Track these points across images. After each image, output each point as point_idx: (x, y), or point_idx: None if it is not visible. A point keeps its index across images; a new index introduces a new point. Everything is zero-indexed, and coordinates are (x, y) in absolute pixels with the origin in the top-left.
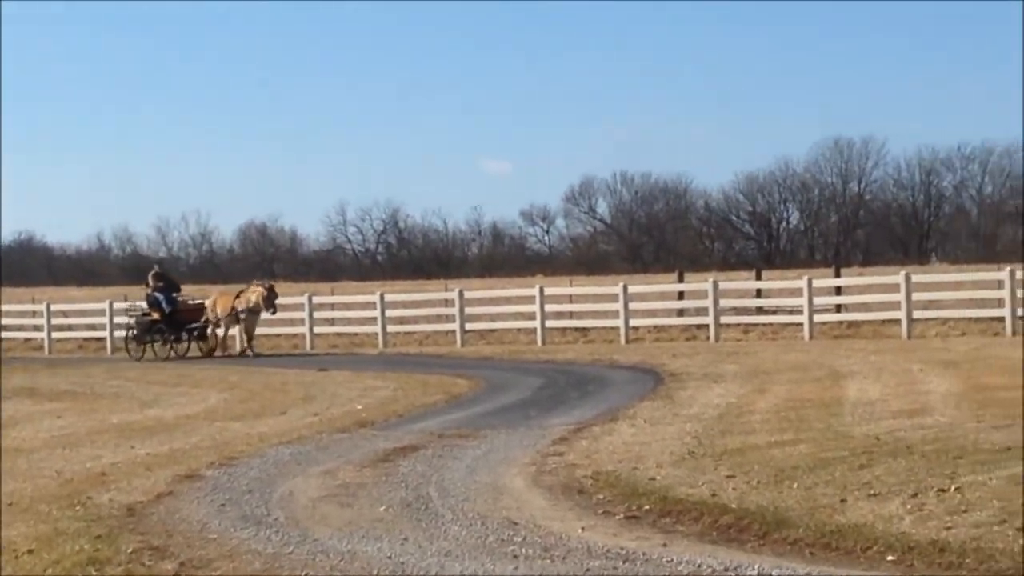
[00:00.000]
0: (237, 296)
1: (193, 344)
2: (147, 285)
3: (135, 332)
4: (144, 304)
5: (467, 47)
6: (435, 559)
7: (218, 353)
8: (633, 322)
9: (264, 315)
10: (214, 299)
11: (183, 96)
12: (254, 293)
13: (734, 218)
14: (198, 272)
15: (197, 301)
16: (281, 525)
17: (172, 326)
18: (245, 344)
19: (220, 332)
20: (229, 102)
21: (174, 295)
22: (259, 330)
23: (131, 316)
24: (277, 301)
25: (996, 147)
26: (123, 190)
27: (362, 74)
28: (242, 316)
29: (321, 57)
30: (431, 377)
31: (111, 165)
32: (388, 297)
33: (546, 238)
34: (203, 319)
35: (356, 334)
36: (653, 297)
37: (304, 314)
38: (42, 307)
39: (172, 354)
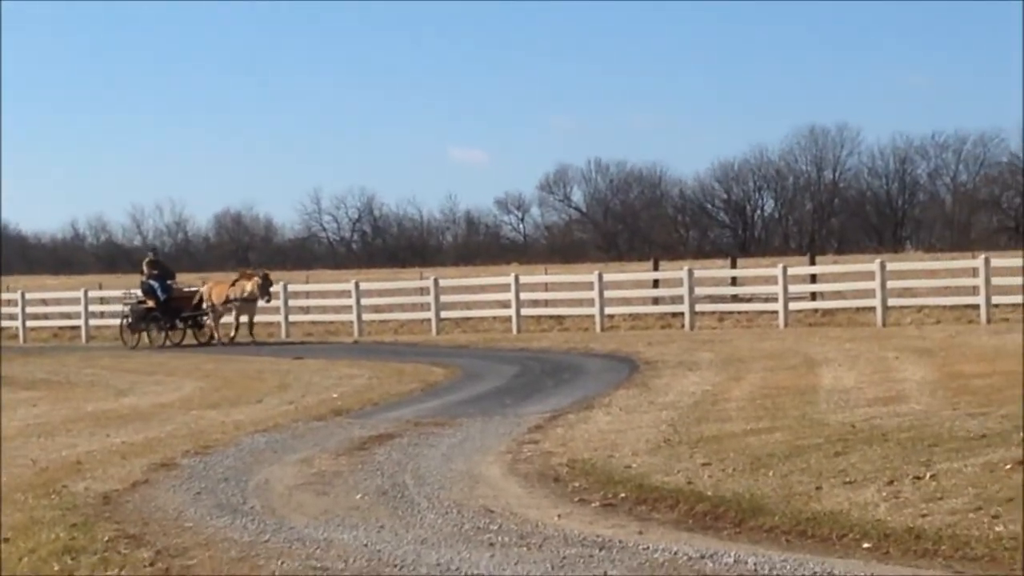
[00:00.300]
0: (232, 284)
1: (189, 332)
2: (142, 272)
3: (130, 320)
4: (139, 292)
5: (436, 36)
6: (411, 547)
7: (213, 341)
8: (608, 310)
9: (260, 303)
10: (209, 287)
11: (158, 85)
12: (249, 281)
13: (709, 206)
14: (173, 261)
15: (192, 288)
16: (257, 513)
17: (166, 314)
18: (244, 332)
19: (217, 320)
20: (204, 91)
21: (169, 282)
22: (231, 317)
23: (126, 304)
24: (272, 289)
25: (970, 135)
26: (98, 179)
27: (333, 63)
28: (236, 304)
29: (294, 46)
30: (406, 365)
31: (86, 154)
32: (363, 285)
33: (521, 226)
34: (197, 305)
35: (331, 322)
36: (628, 285)
37: (279, 302)
38: (16, 295)
39: (167, 342)
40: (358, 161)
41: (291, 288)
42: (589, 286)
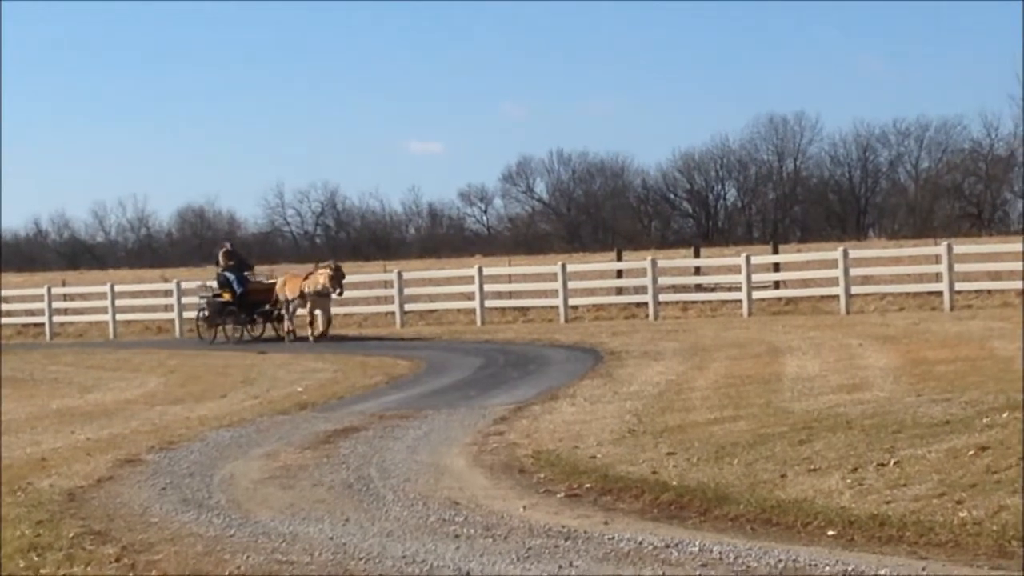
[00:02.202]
0: (305, 278)
1: (268, 327)
2: (217, 264)
3: (206, 314)
4: (215, 284)
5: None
6: (377, 540)
7: (290, 337)
8: (572, 301)
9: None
10: (283, 280)
11: (119, 80)
12: (321, 275)
13: (672, 196)
14: (136, 257)
15: (271, 281)
16: (222, 508)
17: (243, 307)
18: (322, 327)
19: (291, 315)
20: (165, 87)
21: (246, 274)
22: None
23: (202, 297)
24: (344, 281)
25: (931, 122)
26: (60, 175)
27: (290, 57)
28: (311, 298)
29: (254, 40)
30: (371, 359)
31: (47, 150)
32: None
33: (484, 218)
34: (273, 300)
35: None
36: (592, 276)
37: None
38: None
39: (246, 336)
40: (320, 155)
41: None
42: (553, 277)
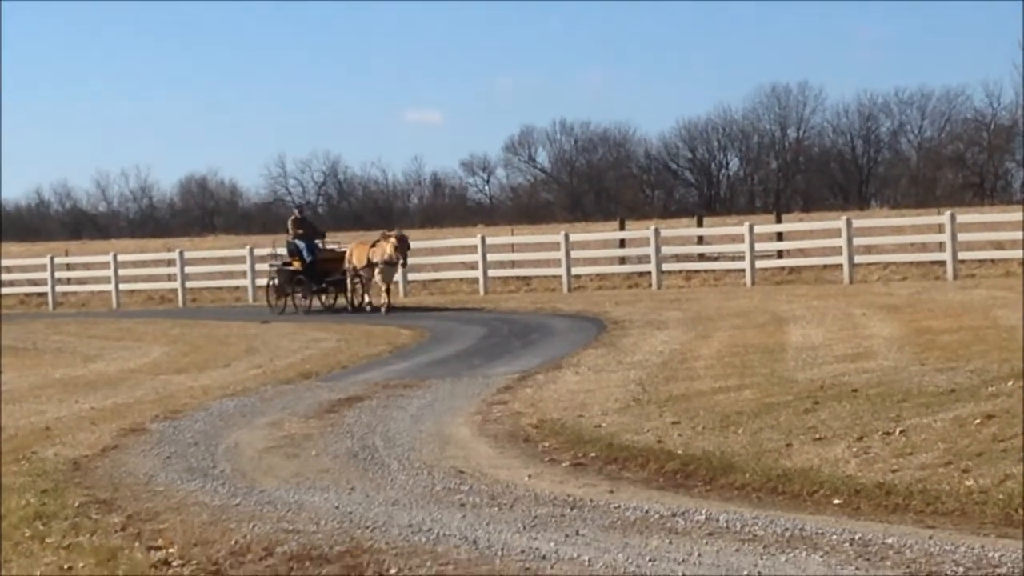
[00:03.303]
0: (372, 246)
1: (340, 297)
2: (287, 232)
3: (276, 283)
4: (285, 252)
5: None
6: (382, 509)
7: (366, 307)
8: (575, 271)
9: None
10: (351, 249)
11: (122, 50)
12: (388, 243)
13: (674, 166)
14: (138, 226)
15: (342, 249)
16: (227, 477)
17: (312, 276)
18: (383, 300)
19: (361, 285)
20: (168, 57)
21: (317, 242)
22: (200, 283)
23: (272, 266)
24: (408, 251)
25: (934, 91)
26: (63, 145)
27: (292, 26)
28: (379, 268)
29: (255, 10)
30: (375, 328)
31: (50, 120)
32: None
33: (487, 188)
34: (343, 270)
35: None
36: (595, 245)
37: (246, 266)
38: None
39: (317, 306)
40: (321, 125)
41: (257, 252)
42: (556, 247)
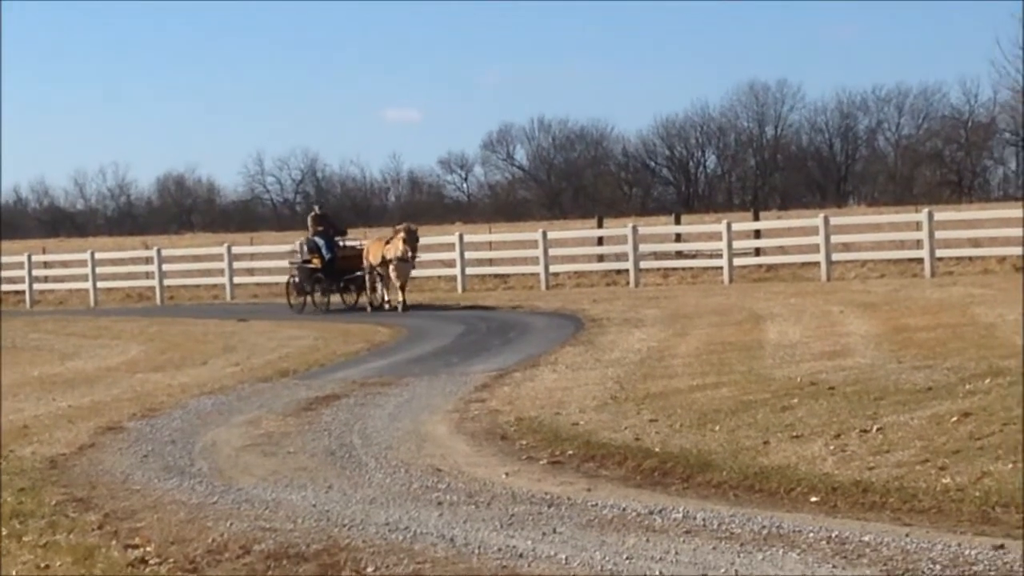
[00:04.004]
0: (387, 243)
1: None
2: (307, 229)
3: (296, 280)
4: (305, 249)
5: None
6: (360, 507)
7: (385, 306)
8: (553, 268)
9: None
10: (368, 246)
11: (99, 48)
12: (398, 238)
13: (652, 163)
14: (116, 224)
15: (362, 246)
16: (204, 475)
17: (330, 274)
18: (399, 297)
19: (376, 282)
20: (146, 54)
21: (337, 239)
22: (178, 281)
23: (292, 263)
24: (417, 244)
25: (911, 89)
26: (40, 143)
27: (271, 23)
28: (393, 264)
29: (233, 7)
30: (352, 326)
31: (27, 117)
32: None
33: (464, 186)
34: (362, 268)
35: (276, 284)
36: (573, 243)
37: (224, 264)
38: None
39: (341, 303)
40: (300, 123)
41: (235, 250)
42: (534, 244)
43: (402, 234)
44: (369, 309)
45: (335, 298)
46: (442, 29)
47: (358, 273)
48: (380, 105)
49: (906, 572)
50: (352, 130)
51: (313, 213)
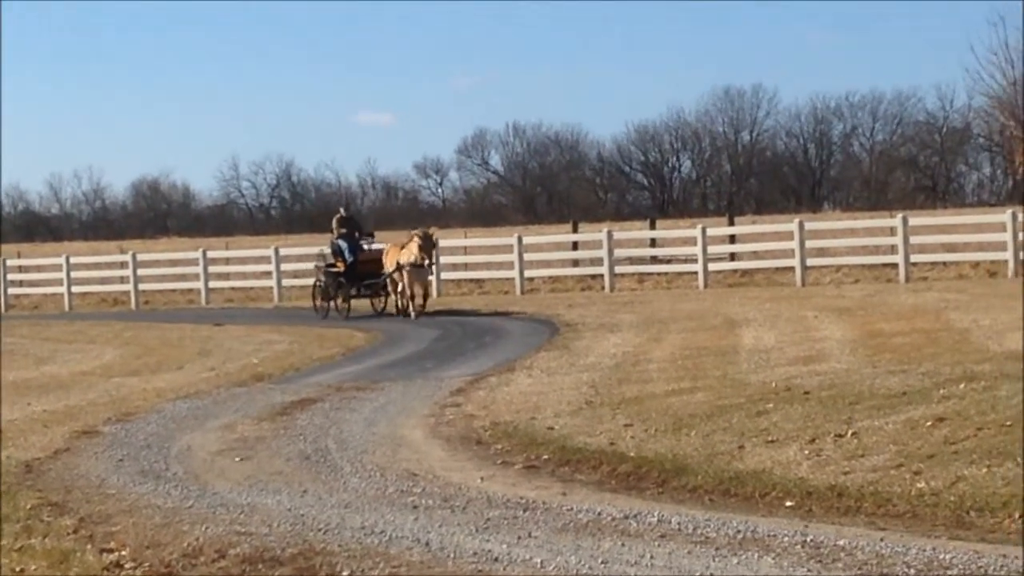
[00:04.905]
0: (402, 248)
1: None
2: (332, 231)
3: (321, 285)
4: (330, 253)
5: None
6: (335, 511)
7: (410, 313)
8: (528, 273)
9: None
10: (387, 250)
11: (73, 51)
12: (413, 243)
13: (627, 168)
14: (91, 229)
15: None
16: (180, 479)
17: (351, 278)
18: (417, 304)
19: (394, 288)
20: (121, 58)
21: (361, 242)
22: (153, 285)
23: (318, 267)
24: (434, 250)
25: (885, 95)
26: (14, 147)
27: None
28: (407, 270)
29: (208, 11)
30: (327, 330)
31: (1, 122)
32: (283, 251)
33: (439, 191)
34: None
35: (251, 288)
36: (548, 248)
37: (199, 269)
38: None
39: (373, 309)
40: (275, 127)
41: (210, 255)
42: (509, 249)
43: (417, 240)
44: (394, 313)
45: (365, 303)
46: (415, 33)
47: (377, 278)
48: (353, 109)
49: None
50: (326, 134)
51: (338, 216)
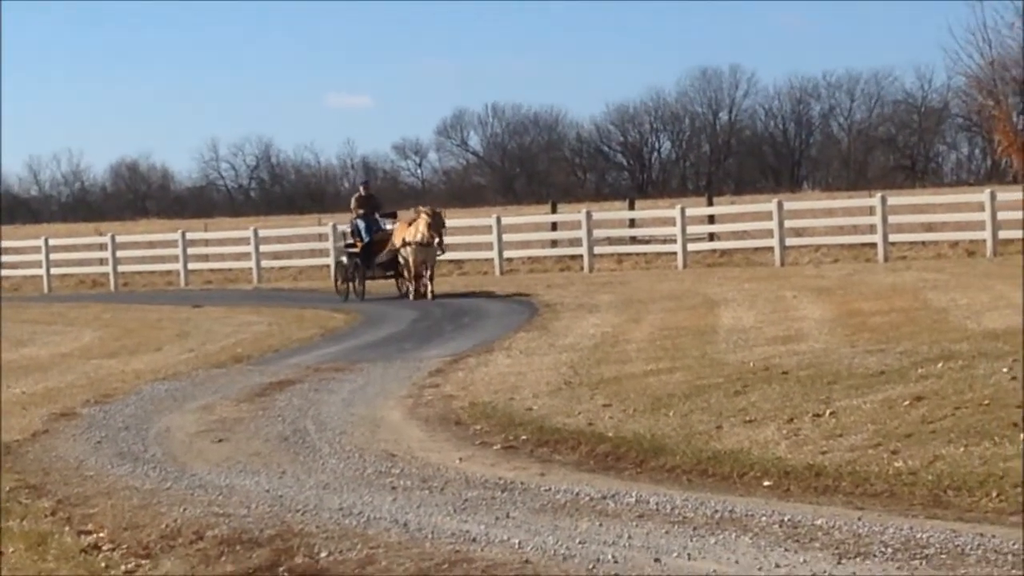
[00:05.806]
0: (409, 225)
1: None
2: (351, 210)
3: (343, 266)
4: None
5: None
6: (313, 492)
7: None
8: (507, 253)
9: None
10: (396, 228)
11: (52, 32)
12: (421, 220)
13: (606, 149)
14: (70, 210)
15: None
16: (158, 461)
17: (366, 258)
18: (423, 284)
19: (402, 267)
20: (99, 39)
21: (380, 220)
22: (132, 267)
23: (339, 249)
24: (444, 230)
25: (862, 74)
26: None
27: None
28: (412, 248)
29: None
30: (306, 311)
31: None
32: (262, 232)
33: (419, 171)
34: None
35: (230, 270)
36: (527, 228)
37: (178, 250)
38: None
39: (398, 290)
40: (254, 108)
41: (190, 236)
42: (488, 230)
43: (425, 216)
44: (414, 297)
45: (386, 285)
46: (393, 14)
47: (386, 257)
48: (330, 91)
49: (858, 555)
50: (304, 116)
51: (357, 195)
